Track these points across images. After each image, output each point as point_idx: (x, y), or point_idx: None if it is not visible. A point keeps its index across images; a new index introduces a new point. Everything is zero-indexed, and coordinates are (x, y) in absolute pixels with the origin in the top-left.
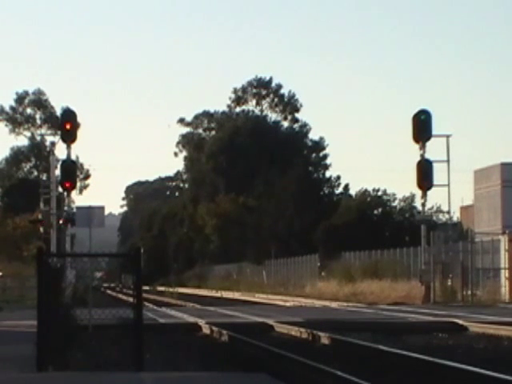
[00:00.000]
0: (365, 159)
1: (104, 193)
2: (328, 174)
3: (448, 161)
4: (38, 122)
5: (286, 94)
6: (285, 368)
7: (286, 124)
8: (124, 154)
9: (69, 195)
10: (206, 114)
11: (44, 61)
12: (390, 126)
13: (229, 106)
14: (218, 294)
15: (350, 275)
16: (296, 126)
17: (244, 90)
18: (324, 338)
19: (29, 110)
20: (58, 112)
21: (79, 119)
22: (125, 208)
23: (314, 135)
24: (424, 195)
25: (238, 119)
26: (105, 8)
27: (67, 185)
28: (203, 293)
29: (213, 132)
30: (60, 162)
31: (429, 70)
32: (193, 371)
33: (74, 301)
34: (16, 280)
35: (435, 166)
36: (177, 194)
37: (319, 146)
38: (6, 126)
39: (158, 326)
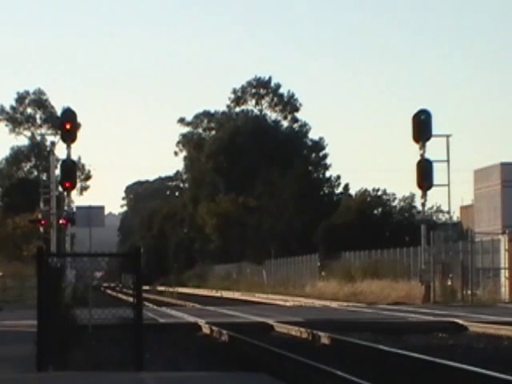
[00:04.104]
0: (365, 159)
1: (104, 193)
2: (328, 173)
3: (448, 161)
4: (38, 121)
5: (286, 94)
6: (285, 368)
7: (285, 124)
8: (124, 154)
9: (69, 195)
10: (206, 114)
11: (44, 61)
12: (390, 125)
13: (228, 106)
14: (218, 294)
15: (350, 275)
16: (296, 125)
17: (243, 89)
18: (324, 338)
19: (29, 110)
20: (58, 112)
21: (79, 119)
22: (125, 208)
23: (313, 135)
24: (424, 195)
25: (237, 119)
26: (105, 8)
27: (67, 185)
28: (203, 293)
29: (213, 132)
30: (60, 162)
31: (429, 70)
32: (193, 371)
33: (73, 301)
34: (16, 280)
35: (435, 165)
36: (177, 193)
37: (319, 145)
38: (7, 125)
39: (158, 325)
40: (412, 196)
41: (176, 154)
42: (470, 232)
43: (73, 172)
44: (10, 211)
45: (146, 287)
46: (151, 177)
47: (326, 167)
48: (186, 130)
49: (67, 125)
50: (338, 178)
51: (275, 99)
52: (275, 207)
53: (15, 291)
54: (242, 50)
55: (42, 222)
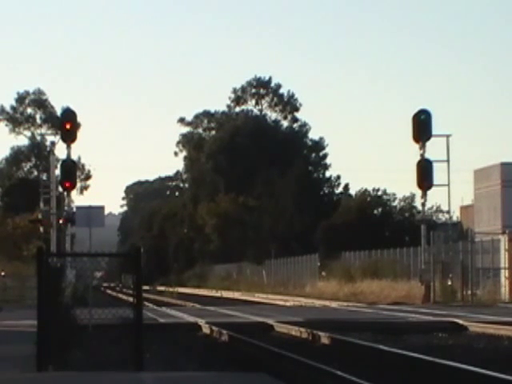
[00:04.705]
0: (365, 159)
1: (104, 193)
2: (328, 173)
3: (448, 161)
4: (38, 121)
5: (286, 94)
6: (285, 368)
7: (285, 124)
8: (124, 154)
9: (69, 195)
10: (206, 114)
11: (44, 61)
12: (390, 125)
13: (228, 106)
14: (218, 294)
15: (349, 275)
16: (296, 125)
17: (243, 89)
18: (324, 338)
19: (29, 110)
20: (58, 112)
21: (79, 119)
22: (125, 208)
23: (313, 135)
24: (424, 195)
25: (237, 119)
26: (105, 8)
27: (67, 185)
28: (203, 293)
29: (213, 132)
30: (60, 162)
31: (429, 70)
32: (193, 371)
33: (73, 301)
34: (16, 280)
35: (435, 165)
36: (177, 193)
37: (319, 145)
38: (7, 125)
39: (158, 325)
40: (412, 196)
41: (176, 154)
42: (469, 232)
43: (73, 172)
44: (10, 211)
45: (145, 287)
46: (151, 177)
47: (326, 167)
48: (186, 130)
49: (67, 125)
50: (338, 178)
51: (275, 99)
52: (275, 207)
53: (15, 291)
54: (242, 50)
55: (42, 222)
